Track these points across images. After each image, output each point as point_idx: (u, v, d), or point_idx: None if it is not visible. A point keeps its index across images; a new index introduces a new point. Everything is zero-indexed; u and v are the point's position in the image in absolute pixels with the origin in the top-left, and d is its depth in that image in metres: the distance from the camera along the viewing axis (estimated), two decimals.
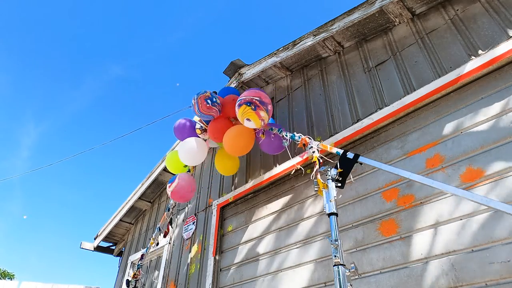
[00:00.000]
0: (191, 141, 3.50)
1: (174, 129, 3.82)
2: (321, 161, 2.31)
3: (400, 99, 2.65)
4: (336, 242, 1.71)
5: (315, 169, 2.18)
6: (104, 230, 6.20)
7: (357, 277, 1.68)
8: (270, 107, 2.99)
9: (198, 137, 3.64)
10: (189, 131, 3.71)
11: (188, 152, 3.46)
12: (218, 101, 3.29)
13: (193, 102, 3.23)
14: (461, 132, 2.28)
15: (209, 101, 3.19)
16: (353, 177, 2.75)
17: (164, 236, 3.92)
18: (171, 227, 3.99)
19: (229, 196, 3.94)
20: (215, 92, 3.66)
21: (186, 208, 4.80)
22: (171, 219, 3.92)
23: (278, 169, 3.43)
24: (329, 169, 2.05)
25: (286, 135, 2.82)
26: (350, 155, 2.15)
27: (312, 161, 2.31)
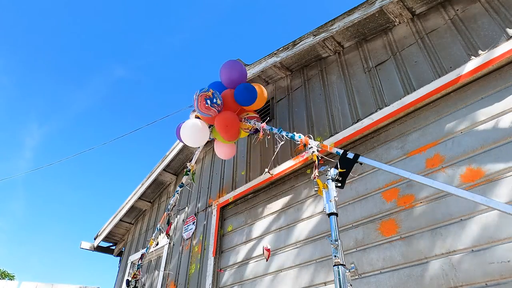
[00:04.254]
0: (193, 121, 3.41)
1: (177, 130, 3.71)
2: (320, 158, 2.32)
3: (400, 99, 2.65)
4: (336, 242, 1.71)
5: (315, 167, 2.19)
6: (104, 230, 6.20)
7: (357, 277, 1.68)
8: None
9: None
10: None
11: (191, 132, 3.37)
12: (219, 101, 3.27)
13: (194, 97, 3.24)
14: (461, 132, 2.28)
15: (208, 101, 3.18)
16: (353, 177, 2.76)
17: (167, 234, 3.92)
18: (171, 223, 3.98)
19: (229, 196, 3.94)
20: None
21: (186, 208, 4.80)
22: (169, 218, 3.92)
23: (278, 169, 3.42)
24: (329, 169, 2.04)
25: (287, 135, 2.82)
26: (350, 155, 2.15)
27: (313, 160, 2.31)
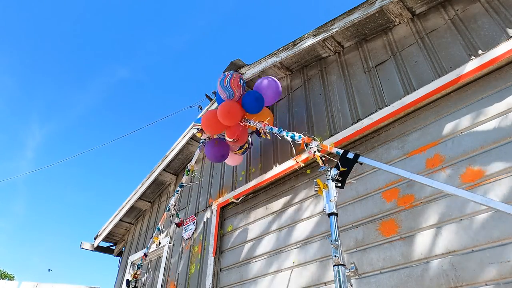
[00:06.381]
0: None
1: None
2: (324, 158, 2.33)
3: (400, 99, 2.65)
4: (336, 242, 1.71)
5: (321, 162, 2.22)
6: (104, 230, 6.20)
7: (357, 277, 1.68)
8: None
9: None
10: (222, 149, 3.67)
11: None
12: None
13: (225, 74, 3.31)
14: (461, 132, 2.28)
15: (242, 81, 3.36)
16: (353, 177, 2.76)
17: (178, 226, 4.05)
18: (179, 219, 3.99)
19: (229, 196, 3.94)
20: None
21: (186, 208, 4.80)
22: (177, 214, 3.93)
23: (278, 169, 3.42)
24: (329, 169, 2.05)
25: (287, 135, 2.82)
26: (350, 155, 2.15)
27: (314, 159, 2.32)
